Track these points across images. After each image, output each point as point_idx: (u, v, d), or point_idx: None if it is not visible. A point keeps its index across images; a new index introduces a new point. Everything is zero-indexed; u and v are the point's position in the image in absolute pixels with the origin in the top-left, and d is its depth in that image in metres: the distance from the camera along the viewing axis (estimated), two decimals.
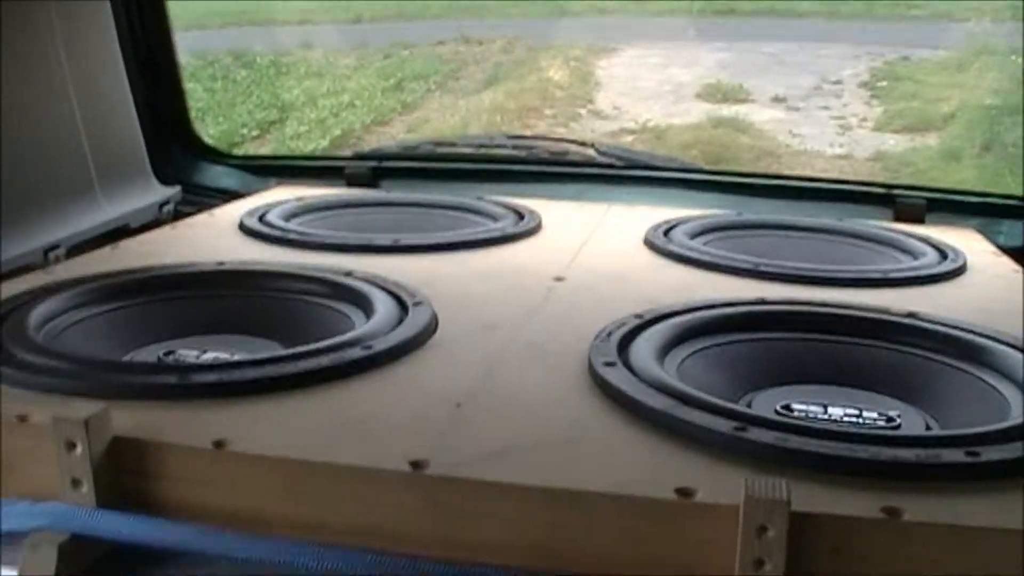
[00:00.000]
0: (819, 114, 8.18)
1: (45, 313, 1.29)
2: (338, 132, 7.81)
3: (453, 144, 2.39)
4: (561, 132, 7.54)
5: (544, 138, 2.40)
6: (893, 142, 7.57)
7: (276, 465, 0.91)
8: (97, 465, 0.92)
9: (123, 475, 0.94)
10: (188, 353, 1.28)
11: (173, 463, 0.94)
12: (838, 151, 7.44)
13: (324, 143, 7.55)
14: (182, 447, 0.94)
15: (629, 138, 7.43)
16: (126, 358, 1.28)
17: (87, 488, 0.92)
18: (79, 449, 0.91)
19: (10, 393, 1.04)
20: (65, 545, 0.90)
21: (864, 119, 8.11)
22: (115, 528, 0.91)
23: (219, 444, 0.93)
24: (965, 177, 6.75)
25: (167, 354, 1.29)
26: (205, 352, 1.28)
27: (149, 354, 1.30)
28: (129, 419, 0.97)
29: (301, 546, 0.86)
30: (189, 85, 2.41)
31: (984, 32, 8.42)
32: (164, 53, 2.32)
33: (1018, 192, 2.17)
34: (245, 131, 7.79)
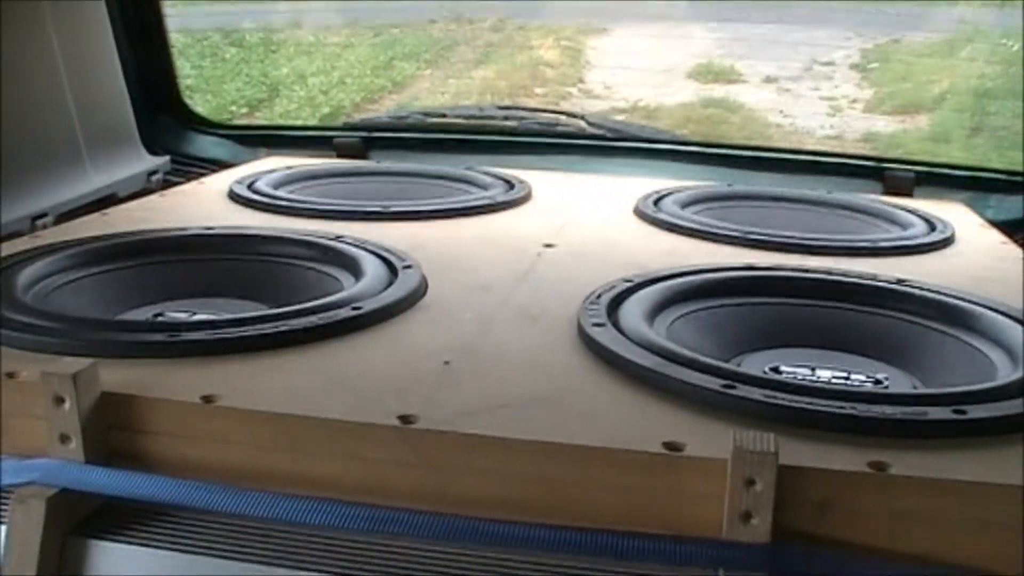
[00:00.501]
0: (810, 95, 8.17)
1: (34, 274, 1.28)
2: (327, 110, 7.77)
3: (443, 115, 2.38)
4: None
5: (534, 109, 2.40)
6: (883, 124, 7.57)
7: (265, 419, 0.91)
8: (86, 420, 0.92)
9: (112, 431, 0.94)
10: (178, 315, 1.28)
11: (161, 418, 0.94)
12: (828, 132, 7.44)
13: (313, 121, 7.51)
14: (170, 402, 0.94)
15: (619, 117, 7.38)
16: (116, 319, 1.28)
17: (76, 443, 0.92)
18: (67, 404, 0.91)
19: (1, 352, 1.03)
20: (54, 500, 0.90)
21: (855, 101, 8.10)
22: (104, 483, 0.91)
23: (208, 399, 0.93)
24: (954, 159, 6.76)
25: (157, 315, 1.29)
26: (195, 314, 1.28)
27: (139, 316, 1.30)
28: (118, 376, 0.97)
29: (290, 500, 0.86)
30: (177, 62, 2.40)
31: (974, 16, 8.42)
32: (153, 21, 2.31)
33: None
34: (234, 108, 7.74)
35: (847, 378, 1.14)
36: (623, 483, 0.85)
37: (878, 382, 1.13)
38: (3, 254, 1.37)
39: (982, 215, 1.93)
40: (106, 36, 2.14)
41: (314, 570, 0.86)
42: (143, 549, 0.89)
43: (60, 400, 0.91)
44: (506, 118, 2.34)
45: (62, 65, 1.95)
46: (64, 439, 0.92)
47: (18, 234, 1.67)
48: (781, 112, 7.70)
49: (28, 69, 1.86)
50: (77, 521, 0.92)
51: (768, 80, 8.35)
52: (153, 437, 0.94)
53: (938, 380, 1.14)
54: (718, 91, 8.09)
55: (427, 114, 2.38)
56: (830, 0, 9.87)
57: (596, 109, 7.59)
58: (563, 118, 2.33)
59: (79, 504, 0.92)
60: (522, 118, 2.32)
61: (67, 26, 1.97)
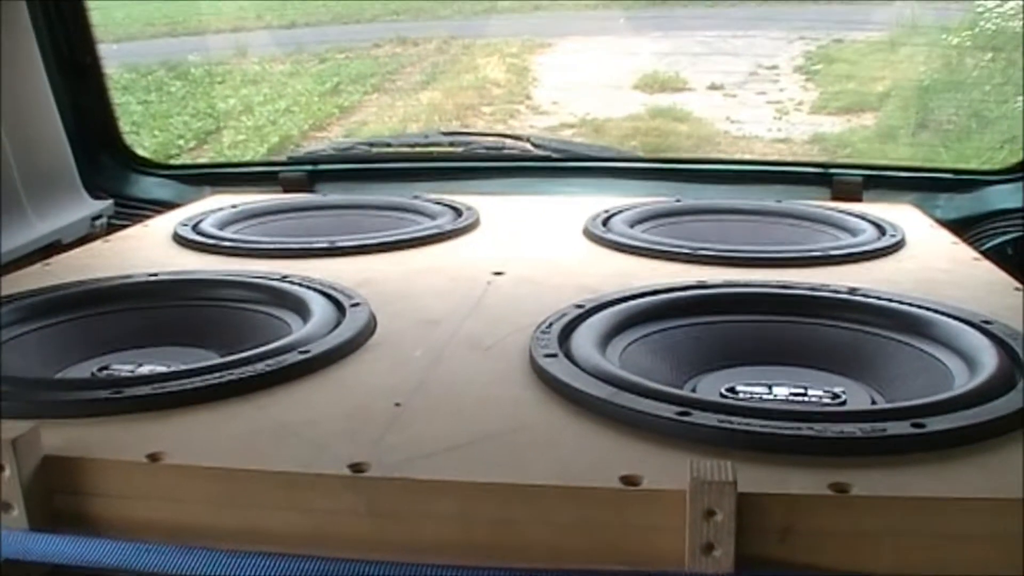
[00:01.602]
0: (756, 99, 8.22)
1: None
2: (276, 139, 7.73)
3: (387, 144, 2.36)
4: (500, 129, 7.53)
5: (479, 133, 2.40)
6: (830, 124, 7.63)
7: (212, 475, 0.89)
8: (28, 486, 0.90)
9: (56, 495, 0.92)
10: (122, 367, 1.26)
11: (107, 479, 0.91)
12: (776, 135, 7.49)
13: (262, 150, 7.47)
14: (115, 462, 0.91)
15: (568, 132, 7.43)
16: (60, 375, 1.26)
17: (18, 511, 0.90)
18: (7, 471, 0.89)
19: None
20: None
21: (800, 103, 8.17)
22: (49, 551, 0.88)
23: (154, 457, 0.91)
24: (902, 155, 6.83)
25: (101, 369, 1.26)
26: (140, 365, 1.26)
27: (83, 370, 1.27)
28: (61, 437, 0.94)
29: (242, 557, 0.84)
30: (123, 99, 2.38)
31: (912, 12, 8.51)
32: (88, 60, 2.27)
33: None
34: (182, 142, 7.69)
35: (804, 394, 1.13)
36: (582, 520, 0.84)
37: (836, 396, 1.13)
38: None
39: (931, 215, 1.94)
40: (39, 76, 2.10)
41: None
42: None
43: None
44: (451, 144, 2.33)
45: None
46: (6, 507, 0.90)
47: None
48: (728, 118, 7.75)
49: None
50: None
51: (714, 87, 8.40)
52: (99, 499, 0.92)
53: (896, 391, 1.14)
54: (665, 100, 8.13)
55: (372, 144, 2.36)
56: (770, 1, 9.96)
57: (544, 124, 7.61)
58: (508, 141, 2.32)
59: (25, 573, 0.89)
60: (467, 143, 2.31)
61: None
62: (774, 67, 8.87)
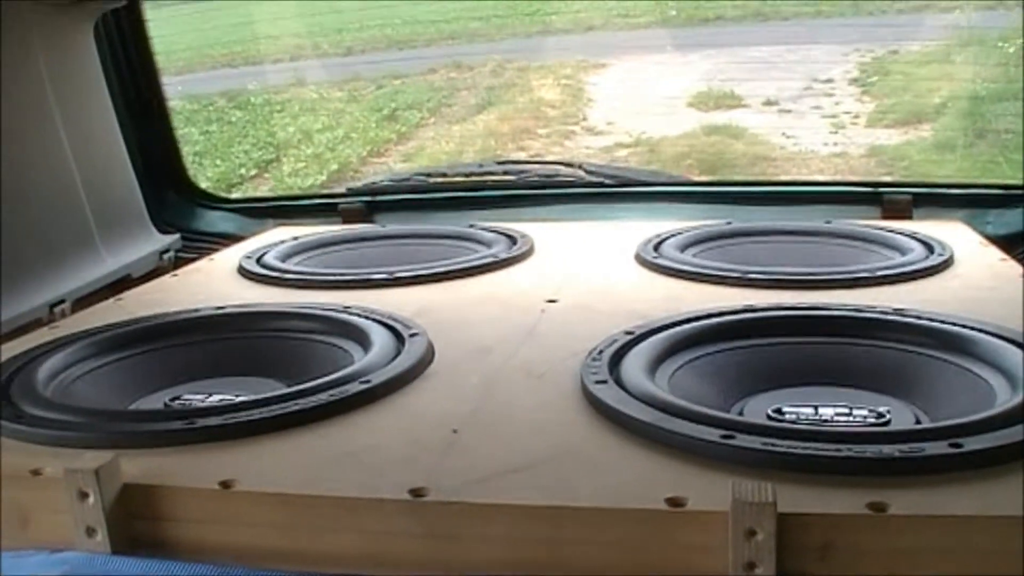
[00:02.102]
0: (811, 114, 8.19)
1: (53, 368, 1.32)
2: (335, 166, 7.84)
3: (443, 174, 2.42)
4: (556, 151, 7.57)
5: (533, 161, 2.44)
6: (886, 137, 7.58)
7: (279, 501, 0.94)
8: (110, 513, 0.95)
9: (135, 520, 0.97)
10: (193, 397, 1.31)
11: (182, 506, 0.97)
12: (833, 150, 7.45)
13: (322, 178, 7.58)
14: (190, 489, 0.97)
15: (624, 152, 7.45)
16: (133, 406, 1.32)
17: (101, 536, 0.95)
18: (91, 499, 0.95)
19: (25, 448, 1.07)
20: None
21: (856, 116, 8.12)
22: (131, 572, 0.93)
23: (225, 484, 0.96)
24: (960, 167, 6.75)
25: (173, 399, 1.32)
26: (210, 395, 1.31)
27: (156, 400, 1.33)
28: (138, 466, 1.00)
29: None
30: (185, 129, 2.46)
31: (968, 21, 8.44)
32: (154, 98, 2.36)
33: (1013, 180, 2.20)
34: (243, 171, 7.82)
35: (849, 414, 1.16)
36: (629, 540, 0.88)
37: (880, 416, 1.15)
38: (24, 348, 1.40)
39: (981, 231, 1.95)
40: (109, 117, 2.18)
41: None
42: None
43: (84, 495, 0.95)
44: (505, 172, 2.38)
45: (69, 149, 1.99)
46: (90, 532, 0.96)
47: (37, 322, 1.71)
48: (784, 134, 7.72)
49: (35, 156, 1.91)
50: None
51: (769, 103, 8.37)
52: (175, 524, 0.97)
53: (940, 409, 1.16)
54: (720, 118, 8.12)
55: (428, 174, 2.42)
56: (823, 18, 9.91)
57: (600, 145, 7.63)
58: (562, 168, 2.37)
59: None
60: (521, 172, 2.36)
61: (70, 109, 2.01)
62: (829, 80, 8.82)
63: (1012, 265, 1.69)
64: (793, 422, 1.12)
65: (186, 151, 2.55)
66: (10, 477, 1.00)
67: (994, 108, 7.22)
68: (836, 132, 7.82)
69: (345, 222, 2.33)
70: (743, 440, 0.97)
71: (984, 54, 7.98)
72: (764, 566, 0.83)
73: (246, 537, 0.95)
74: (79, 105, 2.07)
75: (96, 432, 1.09)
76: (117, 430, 1.10)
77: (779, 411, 1.17)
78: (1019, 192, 2.16)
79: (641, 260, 1.76)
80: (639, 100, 8.51)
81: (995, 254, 1.77)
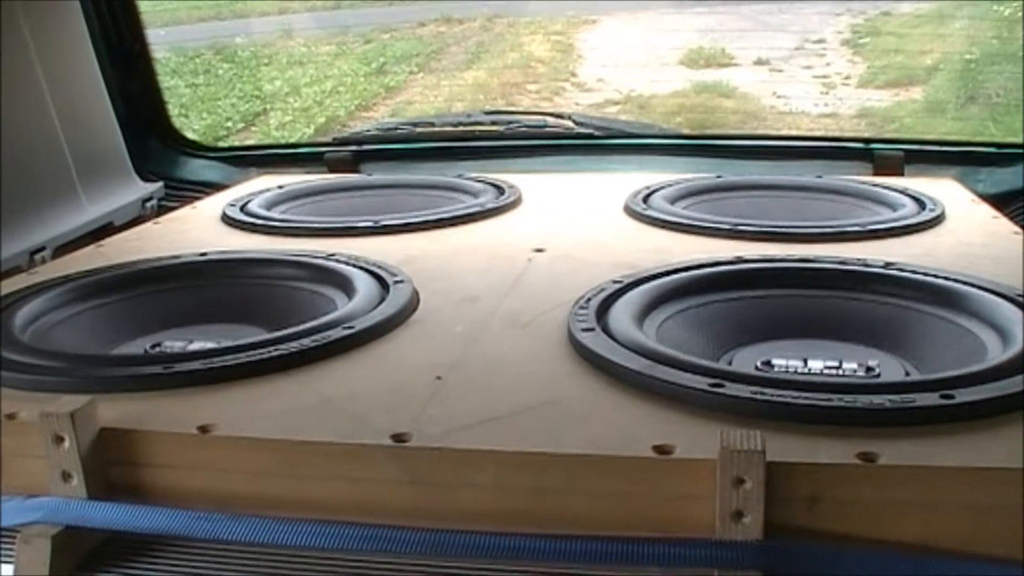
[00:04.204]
0: (802, 74, 8.15)
1: (31, 313, 1.30)
2: (323, 120, 7.77)
3: (431, 124, 2.39)
4: (545, 107, 7.50)
5: (521, 112, 2.41)
6: (877, 98, 7.55)
7: (260, 446, 0.92)
8: (86, 457, 0.94)
9: (112, 466, 0.96)
10: (174, 344, 1.30)
11: (160, 451, 0.95)
12: (823, 110, 7.42)
13: (309, 131, 7.52)
14: (168, 434, 0.95)
15: (614, 109, 7.41)
16: (113, 352, 1.30)
17: (77, 480, 0.94)
18: (67, 443, 0.93)
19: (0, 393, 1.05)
20: (58, 538, 0.91)
21: (848, 77, 8.08)
22: (107, 518, 0.92)
23: (204, 429, 0.95)
24: (950, 129, 6.74)
25: (154, 346, 1.30)
26: (191, 342, 1.30)
27: (136, 347, 1.31)
28: (116, 411, 0.98)
29: (289, 524, 0.87)
30: (171, 81, 2.42)
31: None
32: (137, 45, 2.32)
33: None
34: (230, 124, 7.75)
35: (838, 367, 1.15)
36: (615, 488, 0.86)
37: (870, 369, 1.14)
38: (2, 293, 1.38)
39: (973, 189, 1.94)
40: (91, 63, 2.15)
41: None
42: None
43: (60, 439, 0.93)
44: (494, 123, 2.35)
45: (49, 96, 1.96)
46: (66, 477, 0.94)
47: (17, 269, 1.69)
48: (774, 93, 7.69)
49: (15, 103, 1.87)
50: (82, 557, 0.93)
51: (760, 62, 8.32)
52: (153, 469, 0.96)
53: (930, 364, 1.15)
54: (710, 76, 8.07)
55: (415, 124, 2.39)
56: None
57: (590, 102, 7.59)
58: (550, 119, 2.34)
59: (84, 540, 0.94)
60: (510, 122, 2.33)
61: (51, 56, 1.98)
62: (820, 41, 8.77)
63: (1004, 222, 1.68)
64: (780, 373, 1.11)
65: (172, 104, 2.51)
66: None
67: (987, 71, 7.19)
68: (827, 92, 7.78)
69: (331, 172, 2.30)
70: (732, 389, 0.95)
71: (978, 16, 7.94)
72: (752, 515, 0.82)
73: (225, 483, 0.94)
74: (59, 53, 2.03)
75: (72, 377, 1.07)
76: (94, 375, 1.08)
77: (768, 363, 1.16)
78: (1012, 151, 2.14)
79: (630, 212, 1.75)
80: (629, 57, 8.45)
81: (987, 211, 1.76)
